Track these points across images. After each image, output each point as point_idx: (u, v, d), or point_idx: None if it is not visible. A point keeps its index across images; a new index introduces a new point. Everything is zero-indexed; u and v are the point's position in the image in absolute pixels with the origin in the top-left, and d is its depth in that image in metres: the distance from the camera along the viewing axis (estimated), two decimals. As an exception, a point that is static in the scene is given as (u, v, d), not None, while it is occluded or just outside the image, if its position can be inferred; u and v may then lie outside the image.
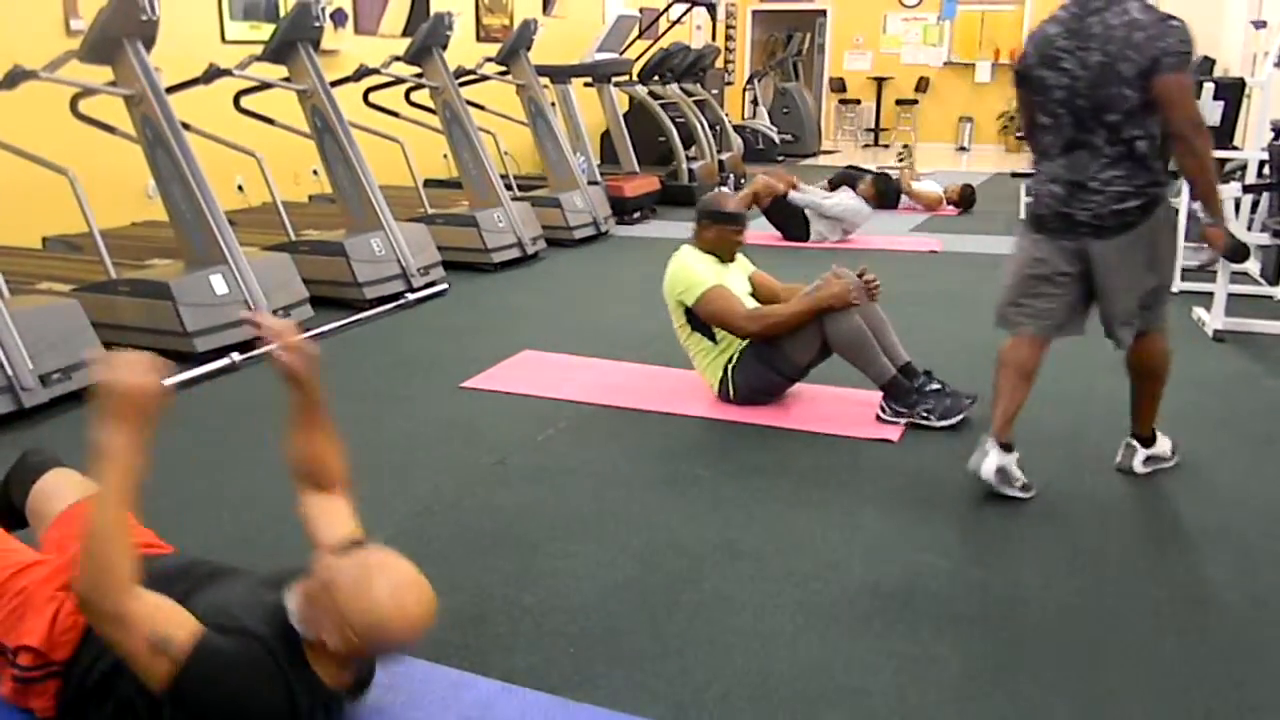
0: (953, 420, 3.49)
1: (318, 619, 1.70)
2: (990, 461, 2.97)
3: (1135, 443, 3.21)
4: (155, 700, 1.68)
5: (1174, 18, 2.80)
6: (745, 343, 3.70)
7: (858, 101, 15.36)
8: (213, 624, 1.70)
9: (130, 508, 1.68)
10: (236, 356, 4.20)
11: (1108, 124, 2.85)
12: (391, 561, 1.75)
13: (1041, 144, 3.02)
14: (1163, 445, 3.23)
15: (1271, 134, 6.18)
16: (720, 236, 3.84)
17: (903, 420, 3.54)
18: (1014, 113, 14.71)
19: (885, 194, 7.95)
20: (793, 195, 7.20)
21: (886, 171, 7.98)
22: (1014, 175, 8.78)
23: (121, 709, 1.76)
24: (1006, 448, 2.99)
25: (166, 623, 1.66)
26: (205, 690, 1.65)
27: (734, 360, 3.72)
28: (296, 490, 2.07)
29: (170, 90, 4.60)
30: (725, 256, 3.86)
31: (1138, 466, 3.20)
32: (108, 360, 1.69)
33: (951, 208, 8.54)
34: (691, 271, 3.77)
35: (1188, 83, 2.83)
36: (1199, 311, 5.00)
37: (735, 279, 3.87)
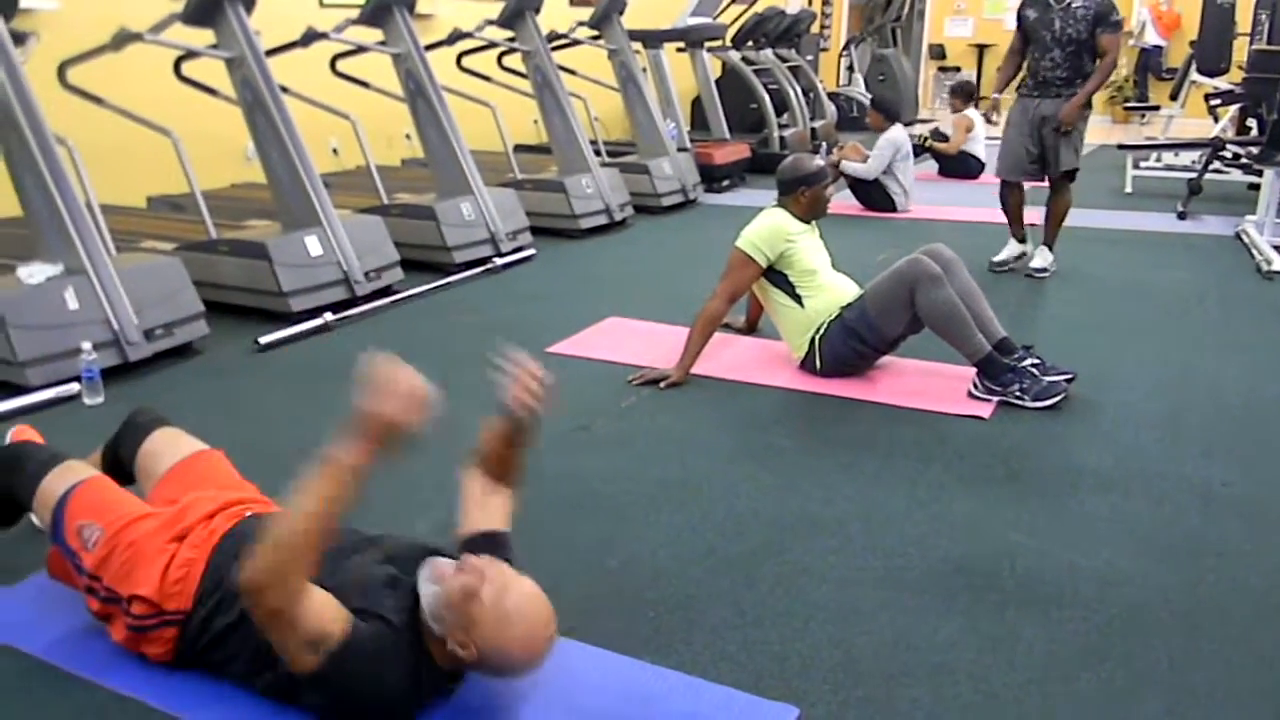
0: (1049, 402, 3.38)
1: (450, 625, 1.75)
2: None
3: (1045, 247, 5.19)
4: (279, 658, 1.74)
5: None
6: (835, 315, 3.65)
7: (958, 69, 14.96)
8: (354, 607, 1.75)
9: (330, 534, 1.70)
10: (330, 317, 4.29)
11: None
12: (529, 601, 1.77)
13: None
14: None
15: None
16: (815, 198, 3.81)
17: (995, 398, 3.44)
18: (1121, 82, 14.23)
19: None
20: (845, 166, 7.09)
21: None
22: (1120, 147, 8.45)
23: (245, 660, 1.83)
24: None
25: (323, 620, 1.69)
26: (346, 679, 1.71)
27: (822, 331, 3.66)
28: (469, 464, 2.11)
29: (269, 53, 4.68)
30: (815, 217, 3.85)
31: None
32: (383, 383, 1.67)
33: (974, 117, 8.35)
34: (760, 223, 3.76)
35: None
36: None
37: (815, 242, 3.86)
